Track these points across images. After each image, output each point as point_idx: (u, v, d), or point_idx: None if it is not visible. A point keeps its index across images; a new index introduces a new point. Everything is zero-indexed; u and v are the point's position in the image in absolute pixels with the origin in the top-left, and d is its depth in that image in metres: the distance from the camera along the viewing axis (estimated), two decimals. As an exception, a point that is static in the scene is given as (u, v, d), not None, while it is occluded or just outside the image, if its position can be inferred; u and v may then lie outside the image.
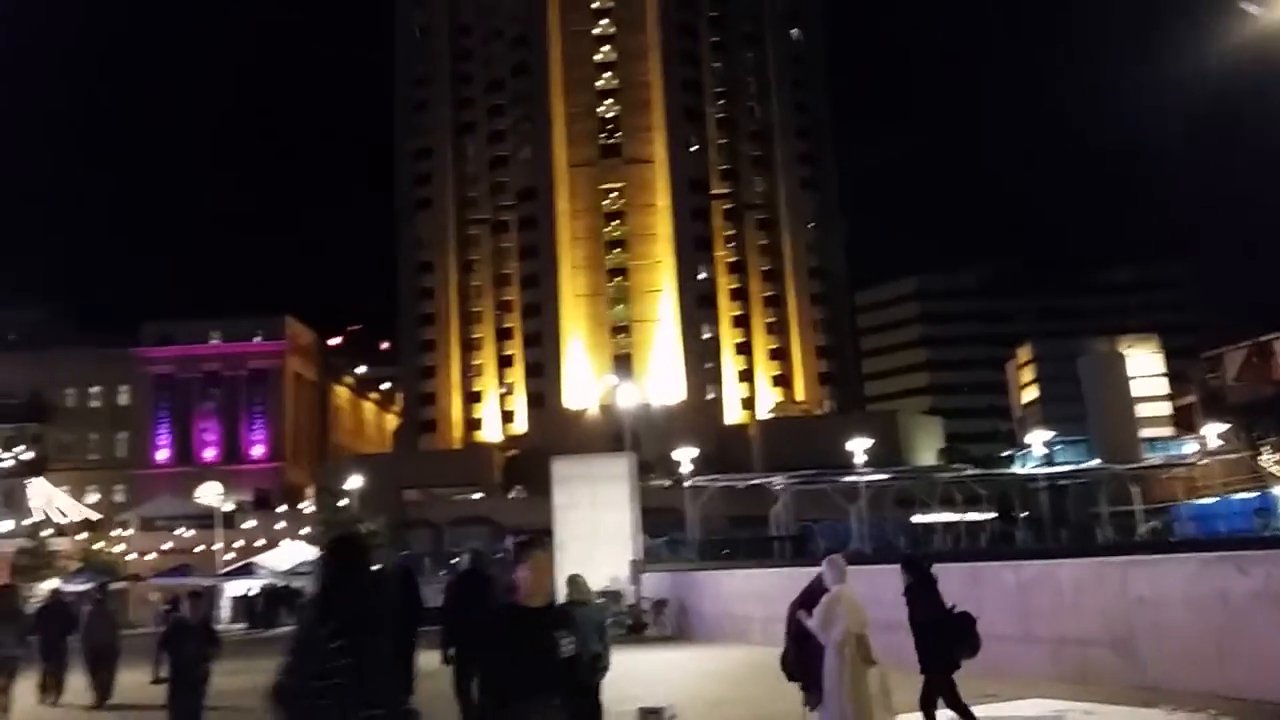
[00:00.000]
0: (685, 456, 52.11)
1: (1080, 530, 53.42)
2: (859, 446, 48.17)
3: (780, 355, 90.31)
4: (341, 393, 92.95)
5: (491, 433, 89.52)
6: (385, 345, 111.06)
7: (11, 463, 57.05)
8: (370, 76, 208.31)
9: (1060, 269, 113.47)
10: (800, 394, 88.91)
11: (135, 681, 15.51)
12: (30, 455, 68.00)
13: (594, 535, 28.20)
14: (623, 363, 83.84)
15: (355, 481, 55.65)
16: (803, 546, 44.93)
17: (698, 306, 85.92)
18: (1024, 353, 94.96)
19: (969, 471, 56.28)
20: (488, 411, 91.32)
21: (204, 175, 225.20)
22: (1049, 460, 60.20)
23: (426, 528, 59.97)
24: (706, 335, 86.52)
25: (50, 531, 59.41)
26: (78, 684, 16.10)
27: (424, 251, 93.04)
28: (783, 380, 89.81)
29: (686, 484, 49.61)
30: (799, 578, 10.27)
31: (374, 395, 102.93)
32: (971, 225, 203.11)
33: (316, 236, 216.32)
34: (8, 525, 54.31)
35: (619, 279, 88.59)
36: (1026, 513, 56.76)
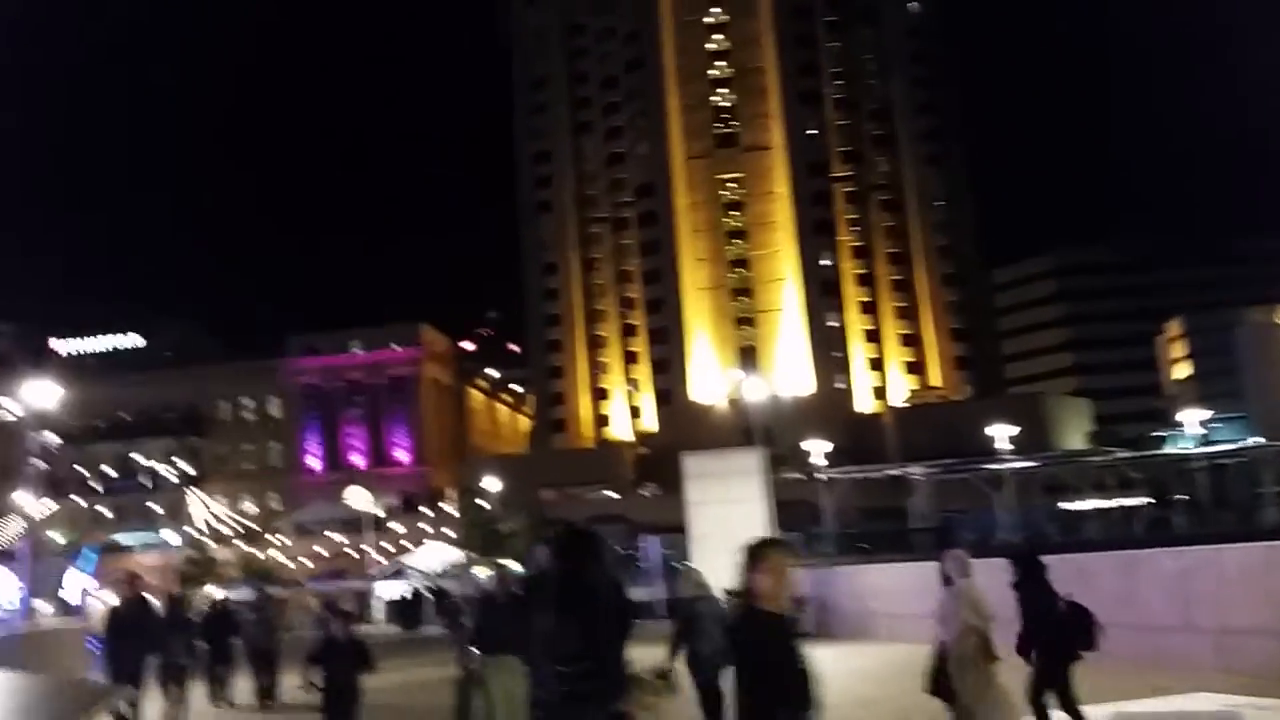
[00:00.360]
0: (817, 449, 51.21)
1: (1243, 513, 49.96)
2: (1001, 432, 46.38)
3: (912, 341, 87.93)
4: (476, 396, 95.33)
5: (621, 430, 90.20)
6: (514, 347, 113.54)
7: (173, 475, 60.65)
8: (489, 85, 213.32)
9: (1202, 239, 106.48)
10: (936, 380, 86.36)
11: (295, 684, 15.16)
12: (190, 468, 72.29)
13: (727, 531, 27.69)
14: (748, 355, 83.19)
15: (493, 482, 56.92)
16: (944, 539, 43.39)
17: (822, 294, 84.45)
18: (1174, 327, 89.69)
19: (1120, 454, 53.41)
20: (615, 409, 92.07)
21: (338, 192, 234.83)
22: (1205, 439, 56.64)
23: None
24: (833, 323, 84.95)
25: (211, 541, 63.12)
26: (243, 686, 16.88)
27: (547, 253, 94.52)
28: (916, 367, 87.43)
29: (820, 477, 48.69)
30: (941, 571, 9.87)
31: (506, 397, 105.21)
32: (1105, 198, 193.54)
33: (447, 245, 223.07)
34: (173, 536, 57.77)
35: (741, 270, 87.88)
36: (1183, 495, 53.54)
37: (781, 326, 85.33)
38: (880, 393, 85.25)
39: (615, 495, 67.89)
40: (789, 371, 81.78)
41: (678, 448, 38.01)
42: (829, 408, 74.99)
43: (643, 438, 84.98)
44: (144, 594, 12.30)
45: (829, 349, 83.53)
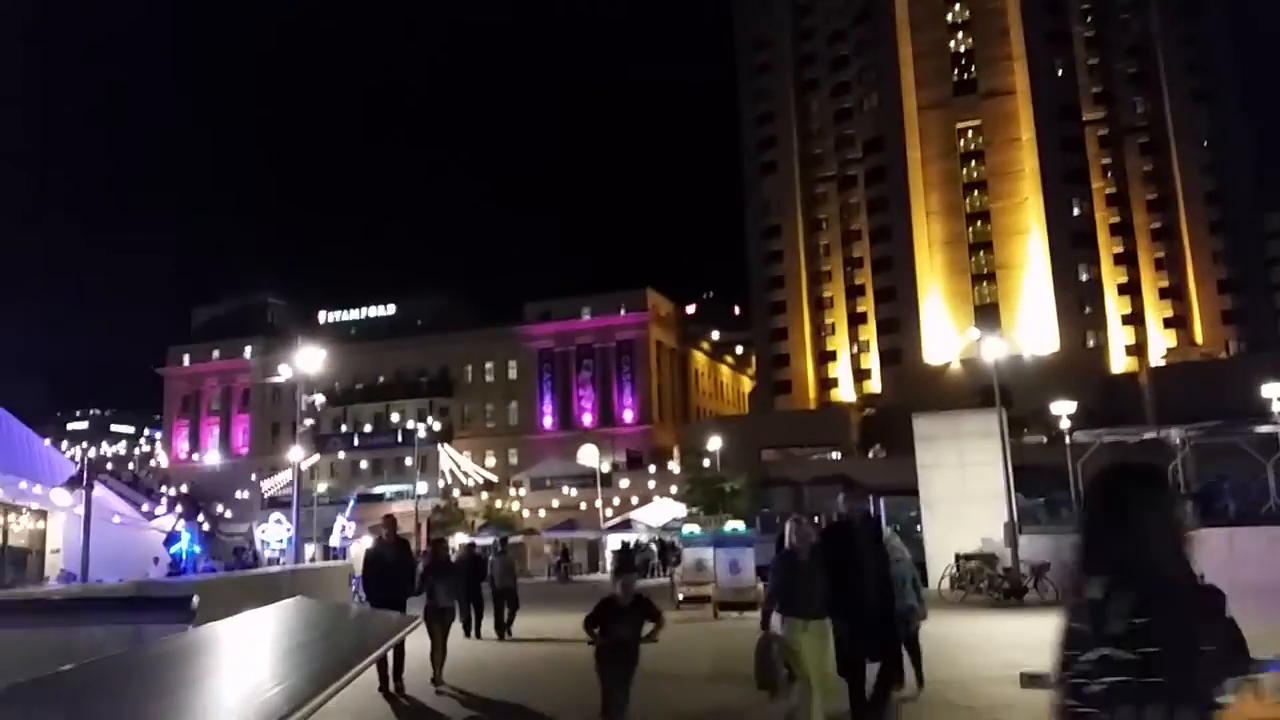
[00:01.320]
0: (1063, 410, 47.66)
1: None
2: (1276, 392, 41.27)
3: (1173, 294, 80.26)
4: (699, 358, 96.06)
5: (846, 392, 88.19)
6: (738, 310, 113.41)
7: (425, 433, 64.96)
8: (712, 49, 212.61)
9: None
10: (1199, 336, 78.45)
11: (529, 623, 19.81)
12: (439, 426, 77.36)
13: (962, 496, 26.70)
14: (987, 313, 78.72)
15: (715, 443, 57.16)
16: (1210, 505, 39.39)
17: (1072, 246, 78.37)
18: None
19: None
20: (841, 371, 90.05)
21: (570, 164, 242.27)
22: None
23: (786, 486, 60.31)
24: (1084, 277, 78.78)
25: (458, 492, 67.30)
26: (488, 622, 19.38)
27: (771, 215, 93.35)
28: (1177, 322, 79.81)
29: (1067, 440, 45.36)
30: (1204, 540, 8.65)
31: (729, 359, 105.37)
32: None
33: (671, 211, 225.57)
34: (423, 487, 61.90)
35: (979, 224, 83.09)
36: None
37: (1024, 282, 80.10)
38: (1135, 350, 78.44)
39: (839, 457, 66.41)
40: (1032, 329, 76.81)
41: (906, 409, 36.51)
42: (1077, 367, 69.72)
43: (868, 399, 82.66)
44: (401, 537, 12.87)
45: (1079, 304, 77.65)
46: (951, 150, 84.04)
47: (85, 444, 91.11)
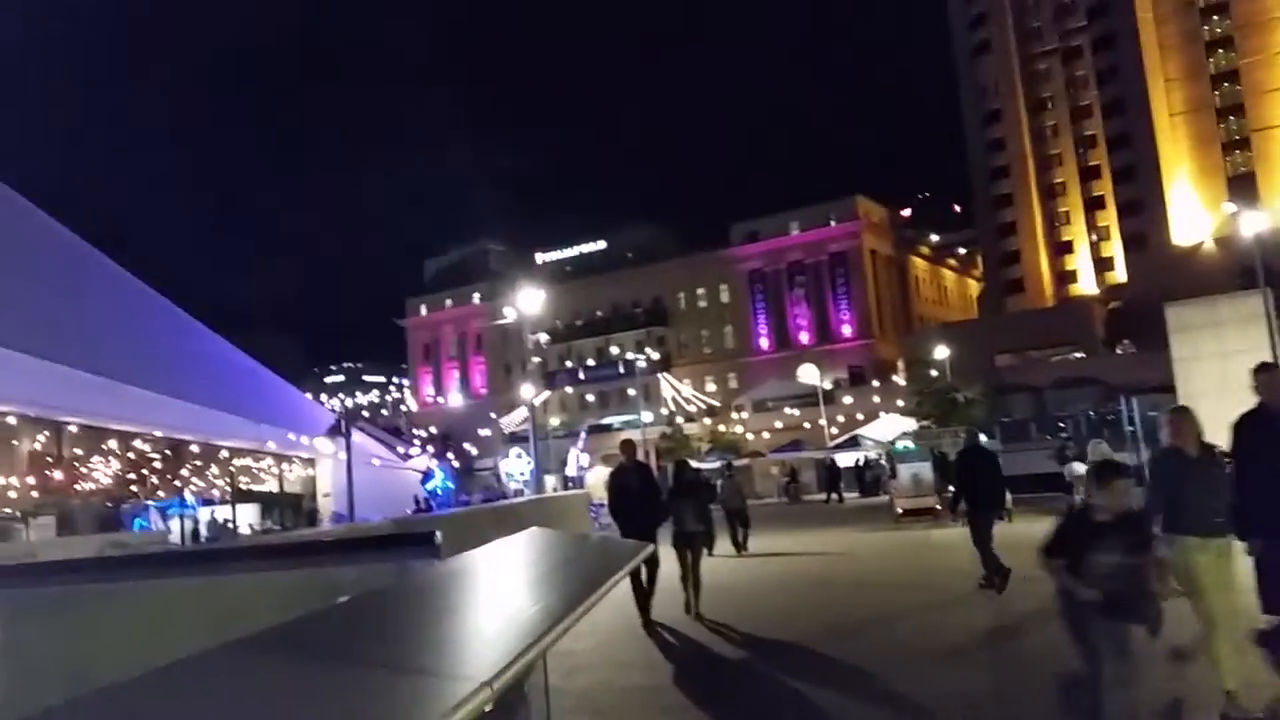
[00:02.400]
0: (1342, 284, 42.42)
1: None
2: None
3: None
4: (919, 263, 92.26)
5: (1086, 285, 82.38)
6: (958, 208, 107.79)
7: (644, 362, 66.44)
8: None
9: None
10: None
11: (764, 543, 20.36)
12: (657, 355, 78.88)
13: (1224, 389, 24.28)
14: (1242, 184, 70.88)
15: (942, 351, 55.06)
16: None
17: (1343, 98, 69.01)
18: None
19: None
20: (1080, 263, 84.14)
21: (757, 70, 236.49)
22: None
23: (1025, 393, 57.41)
24: (1360, 131, 69.32)
25: (681, 419, 68.55)
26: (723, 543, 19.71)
27: (988, 100, 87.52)
28: None
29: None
30: None
31: (951, 262, 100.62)
32: None
33: (877, 110, 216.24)
34: (648, 415, 63.50)
35: (1227, 85, 74.48)
36: None
37: (1287, 144, 71.49)
38: None
39: (1083, 356, 62.36)
40: (1299, 198, 68.67)
41: (1156, 298, 33.63)
42: (1358, 236, 61.79)
43: (1112, 291, 76.83)
44: (642, 461, 12.41)
45: (1355, 164, 68.59)
46: (1188, 5, 75.44)
47: (341, 395, 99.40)
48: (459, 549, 2.25)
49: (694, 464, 35.23)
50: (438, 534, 2.35)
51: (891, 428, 47.66)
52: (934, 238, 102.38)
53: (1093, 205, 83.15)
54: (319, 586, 2.43)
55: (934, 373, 52.54)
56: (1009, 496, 14.64)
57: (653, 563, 10.61)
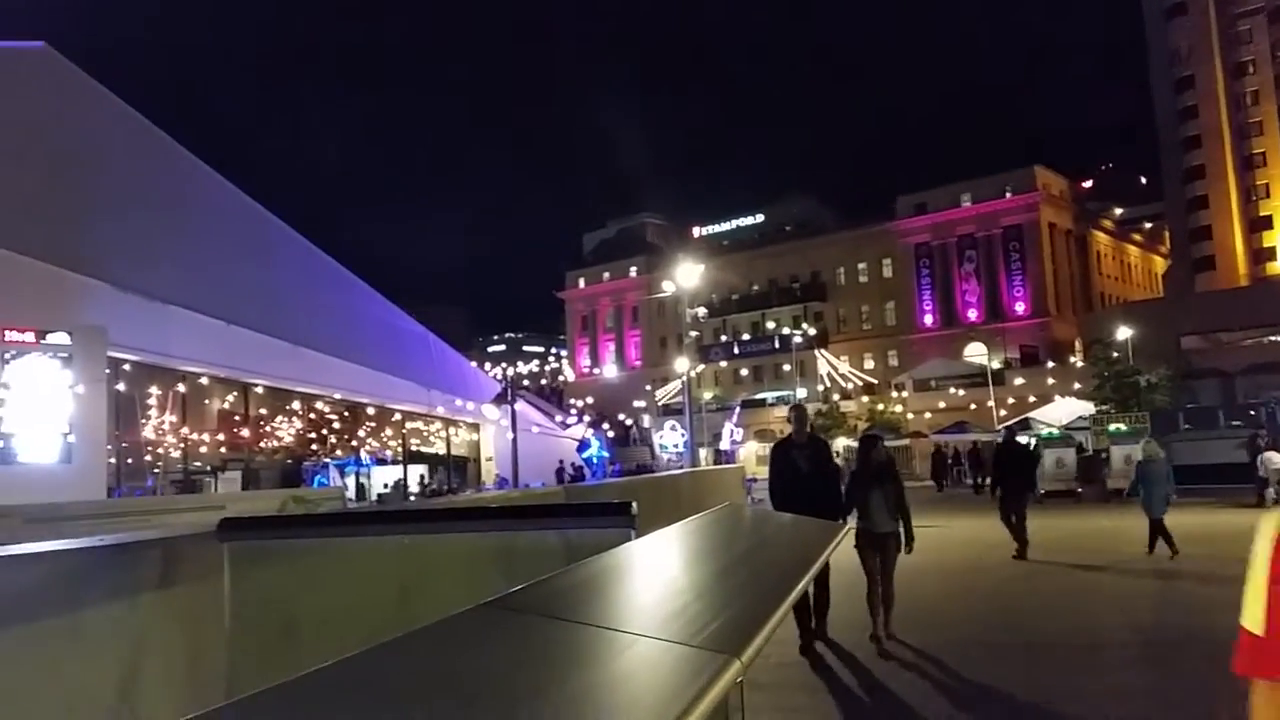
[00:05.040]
0: None
1: None
2: None
3: None
4: (1100, 238, 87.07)
5: (1287, 263, 76.04)
6: (1144, 180, 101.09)
7: (799, 338, 65.52)
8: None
9: None
10: None
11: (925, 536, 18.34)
12: (814, 330, 77.65)
13: None
14: None
15: (1124, 332, 51.94)
16: None
17: None
18: None
19: None
20: (1279, 239, 77.58)
21: (924, 34, 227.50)
22: None
23: (1214, 377, 53.52)
24: None
25: (837, 396, 67.33)
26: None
27: (1181, 64, 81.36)
28: None
29: None
30: None
31: (1137, 237, 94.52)
32: None
33: (1058, 76, 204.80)
34: (803, 392, 62.70)
35: None
36: None
37: None
38: None
39: (1279, 340, 57.62)
40: None
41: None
42: None
43: (1317, 270, 70.61)
44: (816, 435, 10.29)
45: None
46: None
47: (503, 364, 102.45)
48: (640, 514, 2.24)
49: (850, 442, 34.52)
50: (634, 505, 2.33)
51: (1066, 411, 45.32)
52: (1118, 211, 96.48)
53: (1297, 177, 76.47)
54: (515, 548, 2.47)
55: (1115, 354, 49.57)
56: (1172, 488, 15.11)
57: (824, 568, 8.05)
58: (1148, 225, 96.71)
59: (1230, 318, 61.93)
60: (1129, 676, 7.30)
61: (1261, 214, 78.95)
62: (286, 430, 28.08)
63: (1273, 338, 58.78)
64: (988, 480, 17.70)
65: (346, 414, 29.75)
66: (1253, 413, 32.76)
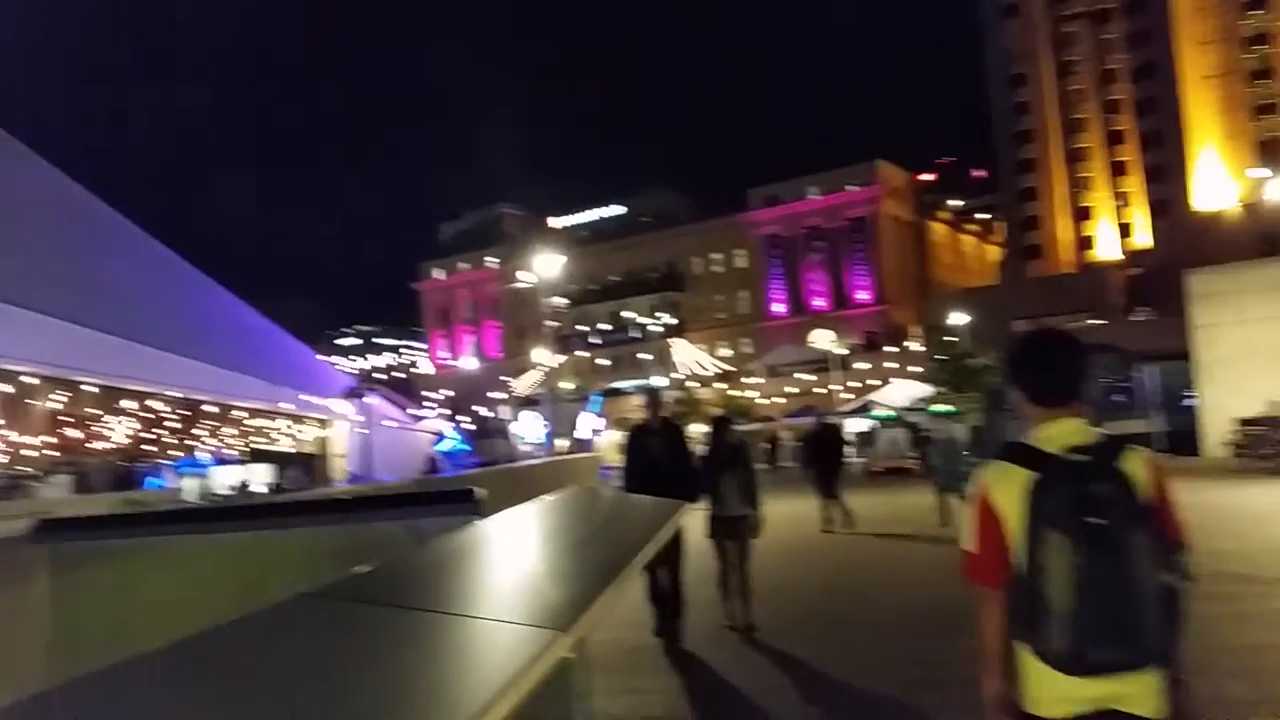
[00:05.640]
0: (1368, 253, 41.96)
1: None
2: None
3: None
4: (938, 229, 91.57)
5: (1107, 251, 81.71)
6: (980, 173, 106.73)
7: (658, 327, 66.35)
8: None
9: None
10: None
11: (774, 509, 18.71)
12: (671, 320, 78.80)
13: (1244, 356, 24.52)
14: (1271, 150, 69.90)
15: (960, 317, 54.73)
16: None
17: (1375, 62, 67.70)
18: None
19: None
20: (1101, 228, 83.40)
21: (782, 36, 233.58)
22: None
23: (1042, 359, 57.02)
24: (1391, 97, 68.10)
25: (695, 383, 68.53)
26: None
27: (1015, 64, 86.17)
28: None
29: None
30: None
31: (972, 227, 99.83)
32: None
33: (900, 73, 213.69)
34: (661, 380, 63.51)
35: (1260, 48, 73.23)
36: None
37: (1315, 110, 70.37)
38: None
39: (1101, 322, 61.95)
40: (1325, 165, 67.78)
41: (1178, 265, 33.39)
42: (1385, 204, 60.92)
43: (1134, 257, 76.21)
44: (670, 419, 9.73)
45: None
46: (1222, -33, 74.09)
47: (354, 358, 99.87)
48: (490, 506, 2.24)
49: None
50: (478, 491, 2.33)
51: (905, 393, 47.54)
52: (955, 203, 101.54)
53: (1116, 171, 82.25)
54: (357, 541, 2.42)
55: (951, 339, 52.20)
56: None
57: (676, 554, 8.20)
58: (982, 216, 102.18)
59: (1057, 303, 66.14)
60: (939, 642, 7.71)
61: (1086, 205, 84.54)
62: (119, 430, 26.59)
63: (1095, 321, 63.15)
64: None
65: (184, 412, 28.37)
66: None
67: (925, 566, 11.92)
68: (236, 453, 31.92)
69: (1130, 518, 2.38)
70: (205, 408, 28.94)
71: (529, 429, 49.73)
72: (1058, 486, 2.42)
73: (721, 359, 77.03)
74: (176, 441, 29.14)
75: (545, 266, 36.75)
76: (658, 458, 8.54)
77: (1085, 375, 2.77)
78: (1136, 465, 2.48)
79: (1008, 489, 2.48)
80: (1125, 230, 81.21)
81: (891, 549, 13.83)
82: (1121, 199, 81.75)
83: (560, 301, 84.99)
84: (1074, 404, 2.68)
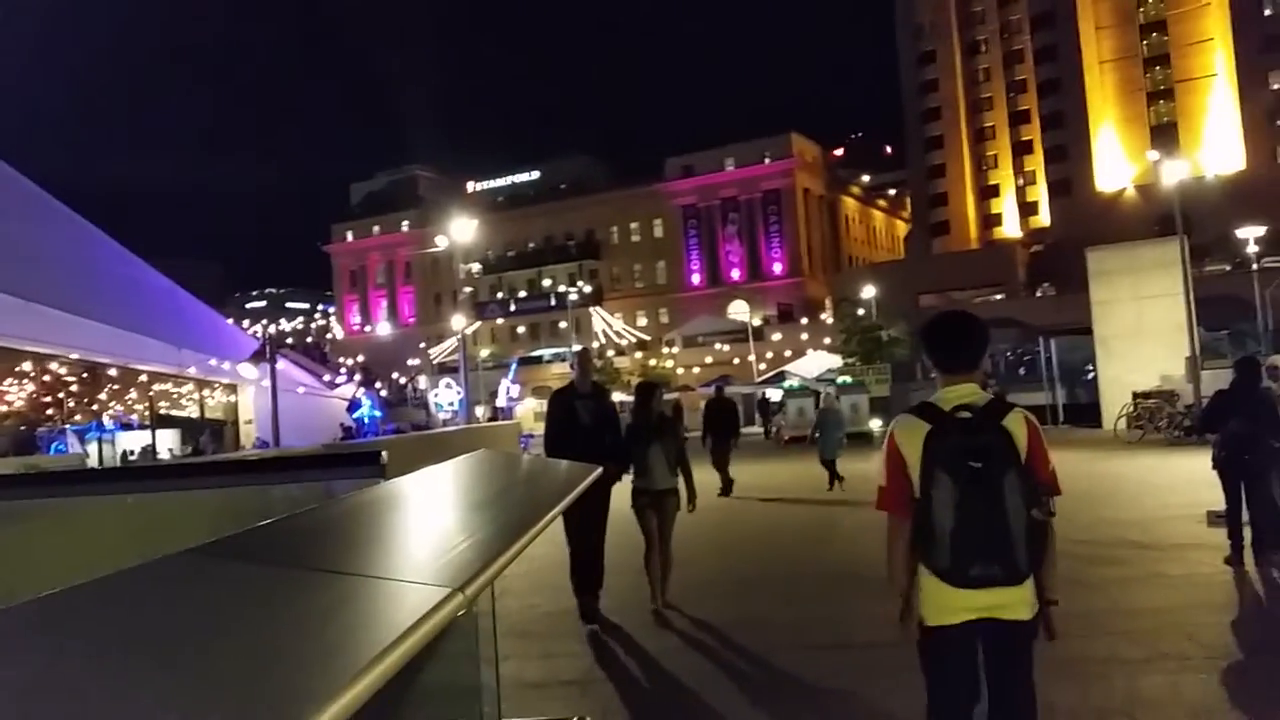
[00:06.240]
0: (1250, 235, 44.10)
1: None
2: None
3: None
4: (850, 203, 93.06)
5: (1011, 229, 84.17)
6: (889, 149, 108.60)
7: (576, 295, 66.09)
8: None
9: None
10: None
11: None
12: (589, 288, 78.58)
13: (1139, 331, 25.56)
14: (1165, 134, 72.64)
15: (869, 291, 55.88)
16: None
17: (1260, 52, 70.45)
18: None
19: None
20: (1006, 206, 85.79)
21: (702, 7, 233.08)
22: None
23: (948, 332, 58.55)
24: (1275, 86, 71.15)
25: (612, 353, 68.66)
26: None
27: (924, 41, 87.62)
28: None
29: (1254, 267, 42.18)
30: None
31: (882, 203, 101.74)
32: None
33: (814, 49, 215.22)
34: (578, 349, 63.57)
35: (1156, 34, 75.78)
36: None
37: (1209, 97, 73.14)
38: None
39: (1004, 298, 63.92)
40: (1215, 149, 70.66)
41: (1078, 243, 34.60)
42: (1266, 187, 64.00)
43: (1035, 235, 78.68)
44: (599, 382, 9.24)
45: (1267, 117, 70.49)
46: (1123, -47, 76.31)
47: (265, 321, 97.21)
48: (399, 472, 2.23)
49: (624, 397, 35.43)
50: (384, 453, 2.31)
51: (818, 364, 48.48)
52: (865, 178, 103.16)
53: (1020, 150, 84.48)
54: (260, 504, 2.39)
55: (861, 312, 53.33)
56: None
57: (597, 526, 7.85)
58: (892, 192, 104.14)
59: (963, 278, 68.02)
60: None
61: (990, 183, 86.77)
62: (17, 394, 25.54)
63: (998, 296, 65.10)
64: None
65: (85, 375, 27.36)
66: (981, 363, 36.11)
67: (814, 528, 12.41)
68: (138, 418, 30.92)
69: (1003, 463, 3.01)
70: (108, 371, 27.91)
71: (445, 396, 49.22)
72: (947, 436, 3.08)
73: (640, 328, 77.27)
74: (78, 405, 28.09)
75: (460, 230, 36.21)
76: (585, 424, 7.91)
77: (980, 350, 3.40)
78: (1015, 423, 3.13)
79: (911, 437, 3.14)
80: (1029, 209, 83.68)
81: (778, 512, 14.64)
82: (1025, 178, 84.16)
83: (476, 267, 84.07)
84: (970, 372, 3.31)
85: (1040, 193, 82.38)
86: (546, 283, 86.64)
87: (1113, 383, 25.89)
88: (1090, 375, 29.13)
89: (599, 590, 7.87)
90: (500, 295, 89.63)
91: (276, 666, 0.83)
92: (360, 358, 72.28)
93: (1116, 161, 75.11)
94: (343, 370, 56.95)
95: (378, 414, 42.54)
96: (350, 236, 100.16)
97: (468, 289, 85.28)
